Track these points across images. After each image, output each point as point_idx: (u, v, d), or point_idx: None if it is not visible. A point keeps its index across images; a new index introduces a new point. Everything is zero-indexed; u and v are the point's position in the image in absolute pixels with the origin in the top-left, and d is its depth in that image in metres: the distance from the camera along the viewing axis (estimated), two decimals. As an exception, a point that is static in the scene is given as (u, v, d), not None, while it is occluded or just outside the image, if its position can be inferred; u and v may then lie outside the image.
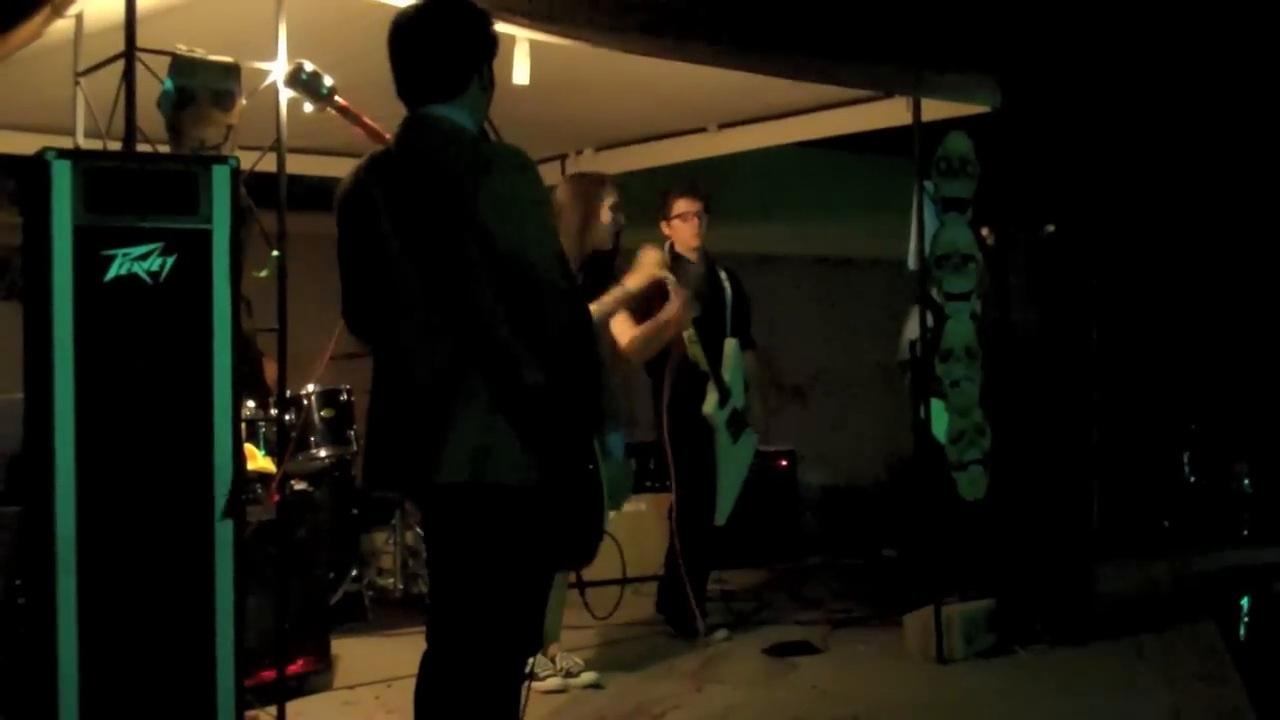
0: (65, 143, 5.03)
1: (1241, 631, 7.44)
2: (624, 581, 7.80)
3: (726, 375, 6.68)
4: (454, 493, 3.36)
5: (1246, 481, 10.30)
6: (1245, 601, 8.26)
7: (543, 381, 3.32)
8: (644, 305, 5.87)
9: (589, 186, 5.07)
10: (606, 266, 5.10)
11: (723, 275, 6.96)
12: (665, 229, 6.92)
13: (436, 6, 3.69)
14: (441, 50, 3.65)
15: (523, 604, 3.52)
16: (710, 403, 6.60)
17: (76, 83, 5.11)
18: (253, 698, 4.61)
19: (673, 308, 6.19)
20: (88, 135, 5.15)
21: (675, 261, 6.73)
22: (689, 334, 6.42)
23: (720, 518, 6.74)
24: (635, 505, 8.16)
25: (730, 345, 6.77)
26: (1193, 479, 10.57)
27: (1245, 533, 10.12)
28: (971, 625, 6.28)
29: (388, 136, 4.22)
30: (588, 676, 5.70)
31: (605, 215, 4.99)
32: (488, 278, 3.32)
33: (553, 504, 3.45)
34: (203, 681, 3.92)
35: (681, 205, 6.86)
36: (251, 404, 6.50)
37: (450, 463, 3.31)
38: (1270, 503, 10.18)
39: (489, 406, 3.30)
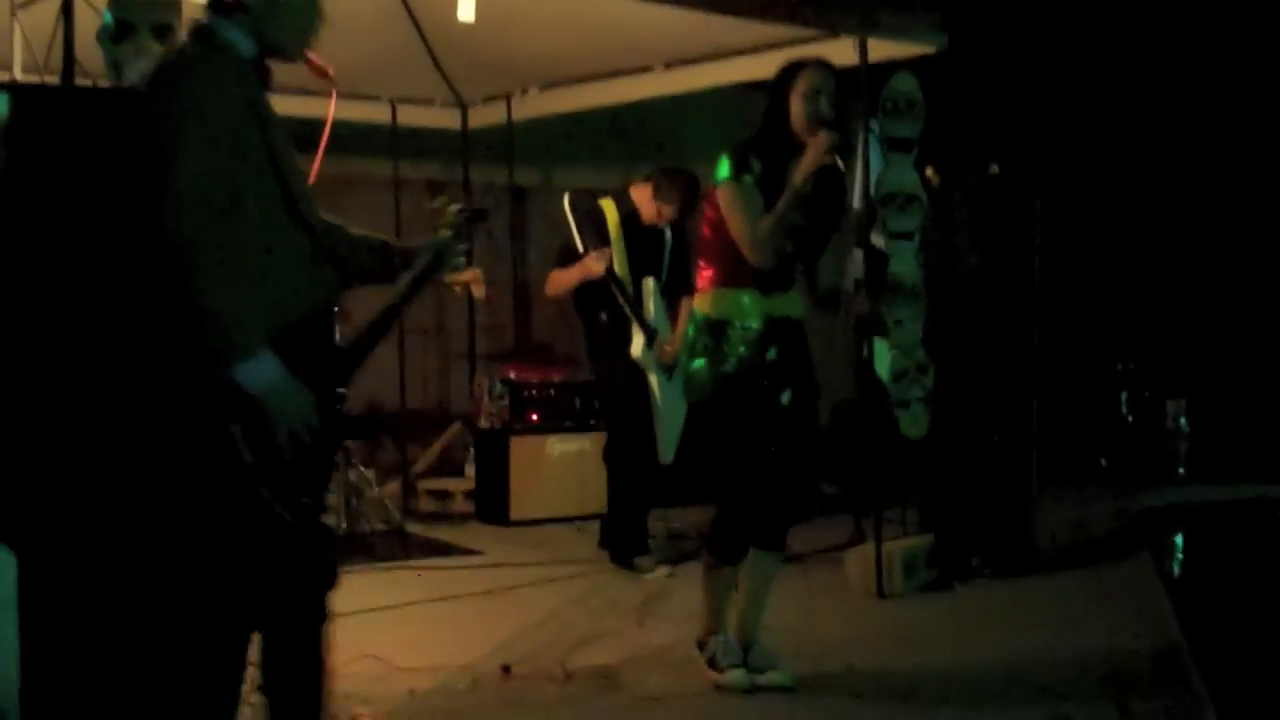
0: (2, 77, 4.97)
1: (1176, 568, 7.57)
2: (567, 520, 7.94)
3: (651, 316, 6.77)
4: None
5: (1183, 420, 10.43)
6: (1180, 539, 8.39)
7: None
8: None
9: (780, 72, 4.64)
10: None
11: (666, 228, 6.98)
12: (634, 192, 6.91)
13: None
14: None
15: None
16: (637, 345, 6.75)
17: (13, 16, 5.04)
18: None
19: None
20: (25, 70, 5.09)
21: (629, 220, 6.81)
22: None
23: (665, 454, 6.81)
24: (578, 444, 8.21)
25: (648, 285, 6.86)
26: (1130, 418, 10.69)
27: (1181, 471, 10.26)
28: (912, 561, 6.36)
29: (331, 72, 4.19)
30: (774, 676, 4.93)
31: (798, 102, 4.64)
32: None
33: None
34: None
35: (661, 194, 6.83)
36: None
37: None
38: (1206, 441, 10.33)
39: None
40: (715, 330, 4.63)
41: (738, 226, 4.56)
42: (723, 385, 4.61)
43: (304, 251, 3.19)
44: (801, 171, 4.50)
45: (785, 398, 4.65)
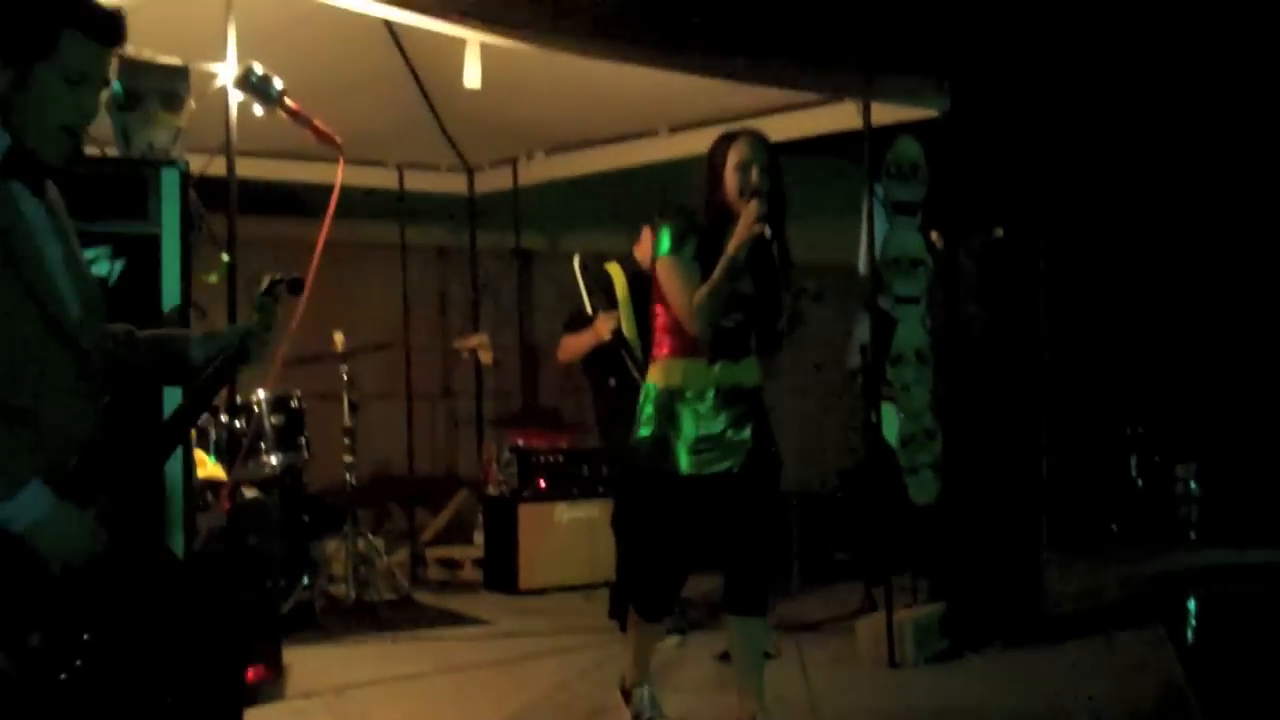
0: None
1: (1189, 634, 7.50)
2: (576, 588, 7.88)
3: None
4: None
5: (1193, 484, 10.38)
6: (1192, 604, 8.32)
7: None
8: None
9: (715, 143, 4.82)
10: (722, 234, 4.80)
11: None
12: (637, 249, 6.90)
13: None
14: None
15: None
16: None
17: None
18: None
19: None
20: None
21: (635, 283, 6.75)
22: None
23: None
24: (587, 511, 8.17)
25: None
26: (1139, 482, 10.64)
27: (1192, 535, 10.21)
28: (923, 630, 6.30)
29: (338, 139, 4.20)
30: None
31: (730, 174, 4.74)
32: None
33: None
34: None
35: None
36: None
37: None
38: (1216, 505, 10.27)
39: None
40: (666, 400, 4.73)
41: (675, 298, 4.69)
42: (666, 453, 4.70)
43: (70, 374, 2.88)
44: (734, 242, 4.59)
45: (734, 466, 4.70)
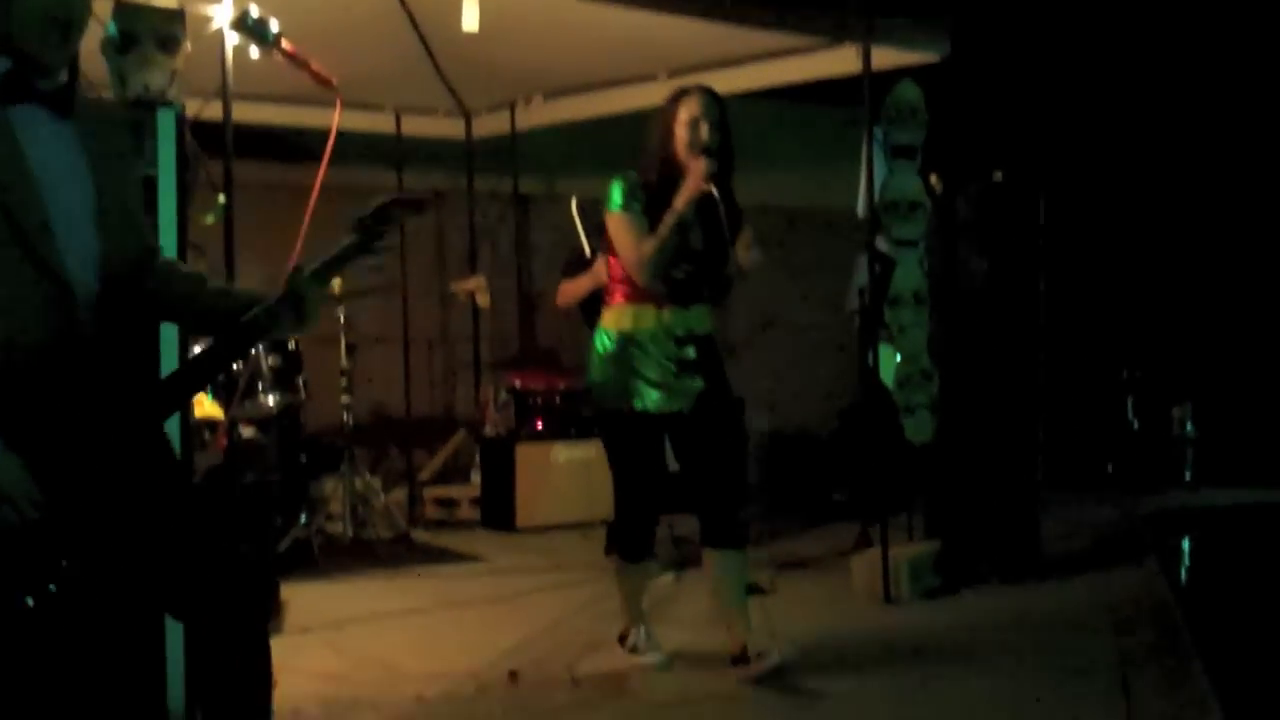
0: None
1: (1183, 573, 7.56)
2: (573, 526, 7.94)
3: None
4: None
5: (1189, 425, 10.43)
6: (1187, 544, 8.39)
7: None
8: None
9: (667, 100, 4.94)
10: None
11: None
12: None
13: None
14: None
15: None
16: None
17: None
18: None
19: None
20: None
21: None
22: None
23: (671, 461, 6.80)
24: (583, 451, 8.21)
25: None
26: (1135, 423, 10.69)
27: (1187, 476, 10.27)
28: (918, 567, 6.36)
29: (334, 83, 4.21)
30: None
31: (680, 129, 4.84)
32: None
33: None
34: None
35: None
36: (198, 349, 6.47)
37: None
38: (1212, 446, 10.32)
39: None
40: (621, 343, 4.88)
41: (623, 251, 4.86)
42: (618, 394, 4.88)
43: (39, 293, 2.77)
44: (681, 198, 4.75)
45: (684, 407, 4.88)
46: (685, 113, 4.82)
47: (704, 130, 4.79)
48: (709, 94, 4.88)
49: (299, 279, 2.93)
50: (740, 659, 4.94)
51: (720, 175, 4.75)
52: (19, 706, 2.76)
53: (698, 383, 4.89)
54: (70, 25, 2.84)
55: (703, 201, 4.75)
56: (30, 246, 2.75)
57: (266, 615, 3.16)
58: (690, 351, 4.90)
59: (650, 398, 4.85)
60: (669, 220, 4.75)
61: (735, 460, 5.06)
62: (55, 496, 2.73)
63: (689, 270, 4.87)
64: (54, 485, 2.73)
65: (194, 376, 3.24)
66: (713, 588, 5.11)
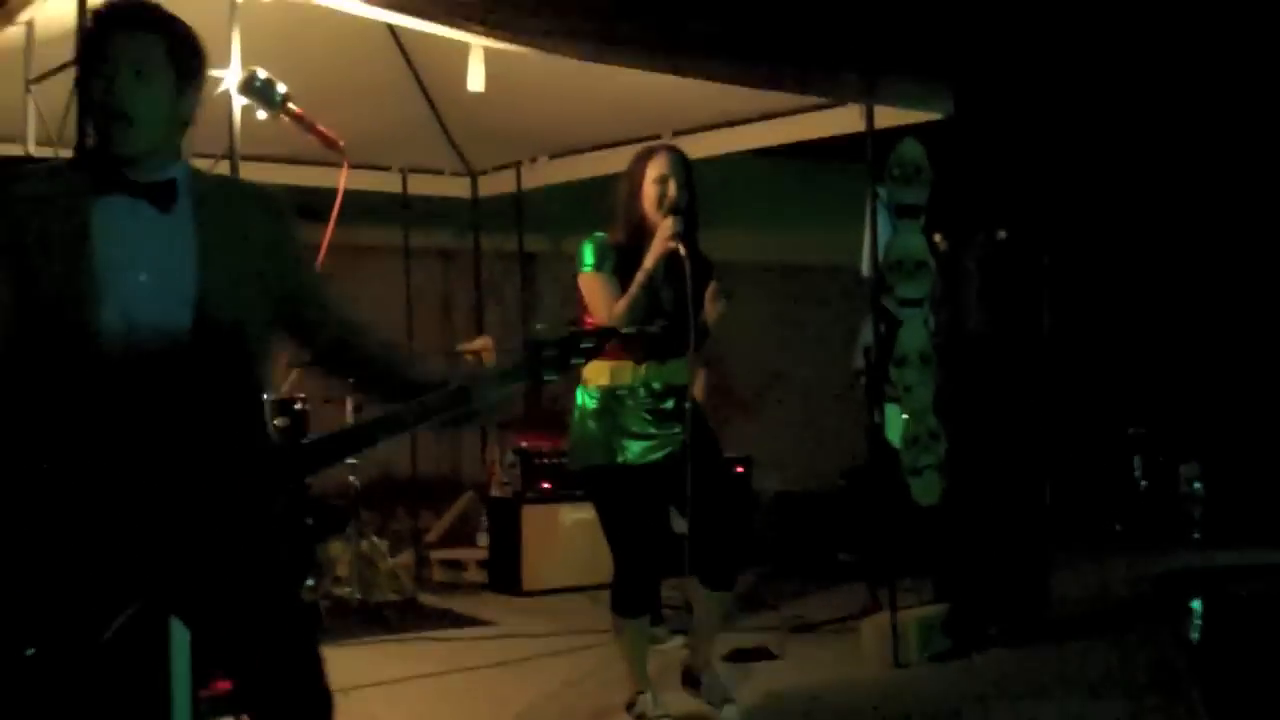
0: (17, 151, 5.00)
1: (1194, 634, 7.50)
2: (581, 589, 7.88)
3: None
4: None
5: (1197, 484, 10.38)
6: (1197, 604, 8.33)
7: None
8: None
9: (634, 159, 5.07)
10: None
11: None
12: None
13: None
14: None
15: None
16: None
17: (28, 90, 5.07)
18: (208, 709, 4.57)
19: None
20: (39, 143, 5.12)
21: None
22: None
23: (677, 523, 6.76)
24: (591, 512, 8.13)
25: None
26: (1143, 482, 10.65)
27: (1196, 535, 10.21)
28: (927, 630, 6.31)
29: (341, 144, 4.22)
30: None
31: (649, 187, 4.94)
32: None
33: None
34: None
35: None
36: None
37: None
38: (1220, 505, 10.27)
39: None
40: (603, 398, 4.99)
41: (597, 311, 4.96)
42: (602, 449, 4.98)
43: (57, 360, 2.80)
44: (650, 257, 4.88)
45: (668, 455, 4.97)
46: (653, 171, 4.95)
47: (671, 188, 4.93)
48: (676, 153, 5.04)
49: (479, 380, 3.06)
50: (691, 680, 5.22)
51: (687, 232, 4.86)
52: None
53: (678, 430, 4.97)
54: (129, 118, 2.83)
55: (671, 258, 4.86)
56: (64, 328, 2.78)
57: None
58: (669, 403, 5.01)
59: (633, 449, 4.96)
60: (639, 279, 4.87)
61: (725, 499, 5.14)
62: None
63: (662, 325, 4.97)
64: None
65: (356, 440, 3.23)
66: (694, 624, 5.34)
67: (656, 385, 5.00)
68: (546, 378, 3.07)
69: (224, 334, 2.90)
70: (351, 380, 3.36)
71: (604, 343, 3.19)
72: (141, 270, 2.84)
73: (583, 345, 3.09)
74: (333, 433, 3.13)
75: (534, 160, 8.90)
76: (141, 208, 2.87)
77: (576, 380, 5.14)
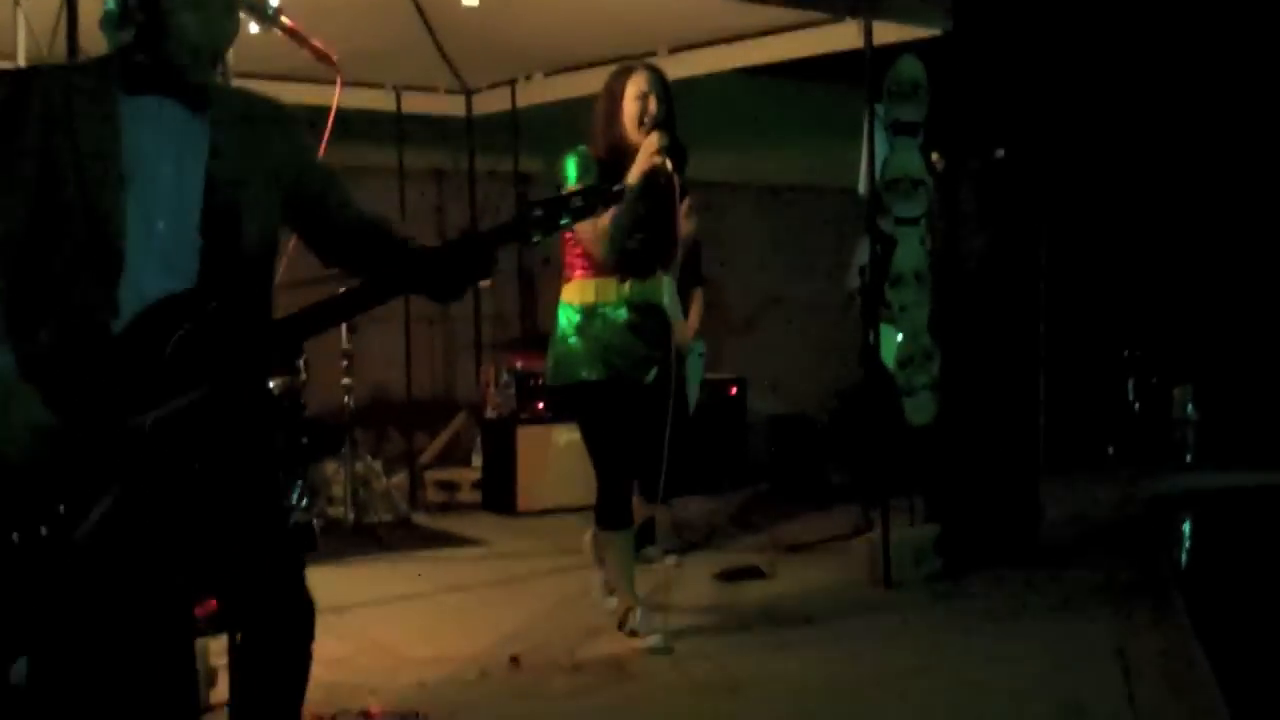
0: (6, 65, 4.94)
1: (1183, 555, 7.55)
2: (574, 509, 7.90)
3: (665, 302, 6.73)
4: None
5: (1190, 407, 10.41)
6: (1187, 525, 8.37)
7: None
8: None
9: (613, 77, 5.07)
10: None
11: None
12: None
13: None
14: None
15: None
16: None
17: (17, 4, 5.01)
18: (204, 625, 4.59)
19: None
20: (29, 58, 5.06)
21: None
22: None
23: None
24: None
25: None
26: (1137, 405, 10.68)
27: (1189, 458, 10.25)
28: (919, 550, 6.34)
29: (335, 58, 4.16)
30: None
31: (629, 104, 4.95)
32: None
33: None
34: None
35: None
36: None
37: None
38: (1213, 428, 10.31)
39: None
40: (586, 315, 5.05)
41: (581, 227, 4.80)
42: (584, 364, 5.04)
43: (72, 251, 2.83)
44: (635, 171, 4.91)
45: (651, 375, 5.08)
46: (633, 88, 5.02)
47: (652, 105, 4.97)
48: (655, 71, 5.10)
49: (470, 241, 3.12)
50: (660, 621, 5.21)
51: (670, 148, 4.90)
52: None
53: (658, 354, 5.05)
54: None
55: (653, 174, 4.90)
56: (96, 224, 2.82)
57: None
58: (651, 323, 5.07)
59: (616, 365, 5.01)
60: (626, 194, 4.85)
61: (676, 429, 5.14)
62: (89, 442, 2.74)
63: (642, 240, 5.02)
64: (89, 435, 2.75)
65: (335, 310, 3.26)
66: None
67: (639, 301, 5.04)
68: (534, 239, 3.04)
69: (231, 225, 2.97)
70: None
71: (595, 202, 3.10)
72: (167, 164, 2.91)
73: (573, 205, 3.04)
74: (324, 300, 3.20)
75: (529, 77, 8.81)
76: (170, 109, 2.93)
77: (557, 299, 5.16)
